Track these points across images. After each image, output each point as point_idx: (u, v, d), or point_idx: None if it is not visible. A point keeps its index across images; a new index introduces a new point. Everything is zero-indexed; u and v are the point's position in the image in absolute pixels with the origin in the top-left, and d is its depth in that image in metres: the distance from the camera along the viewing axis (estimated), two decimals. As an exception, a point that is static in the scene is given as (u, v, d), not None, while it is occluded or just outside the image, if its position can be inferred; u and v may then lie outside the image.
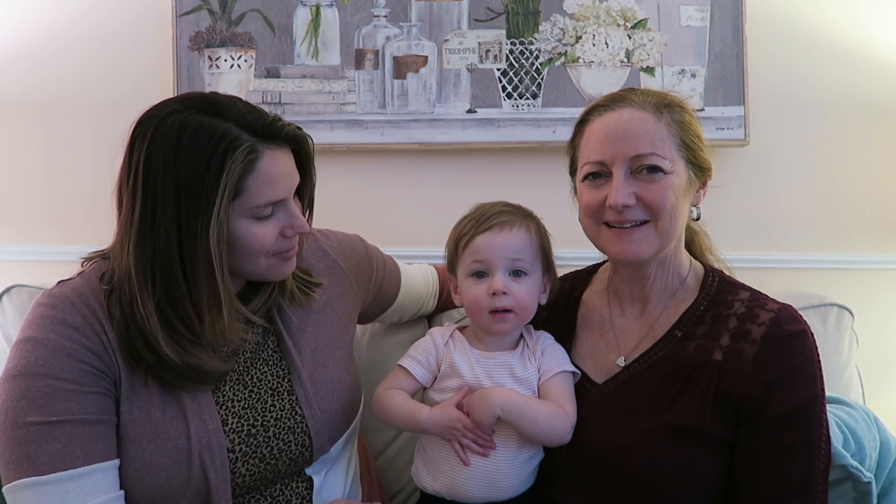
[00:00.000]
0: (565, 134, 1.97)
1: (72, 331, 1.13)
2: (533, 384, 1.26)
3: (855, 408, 1.51)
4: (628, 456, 1.19)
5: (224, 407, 1.21)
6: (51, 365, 1.10)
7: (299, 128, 1.20)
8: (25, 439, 1.07)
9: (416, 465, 1.32)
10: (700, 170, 1.25)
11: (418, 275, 1.63)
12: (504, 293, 1.24)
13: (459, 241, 1.29)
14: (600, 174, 1.22)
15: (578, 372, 1.29)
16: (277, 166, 1.15)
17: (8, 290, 1.79)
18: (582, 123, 1.28)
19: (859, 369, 1.76)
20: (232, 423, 1.20)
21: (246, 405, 1.23)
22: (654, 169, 1.19)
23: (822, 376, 1.19)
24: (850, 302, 1.75)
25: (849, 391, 1.70)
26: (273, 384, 1.27)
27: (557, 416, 1.23)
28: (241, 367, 1.25)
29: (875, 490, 1.35)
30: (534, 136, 1.97)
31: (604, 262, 1.43)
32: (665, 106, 1.22)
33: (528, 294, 1.26)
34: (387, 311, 1.58)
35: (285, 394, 1.26)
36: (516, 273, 1.26)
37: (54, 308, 1.15)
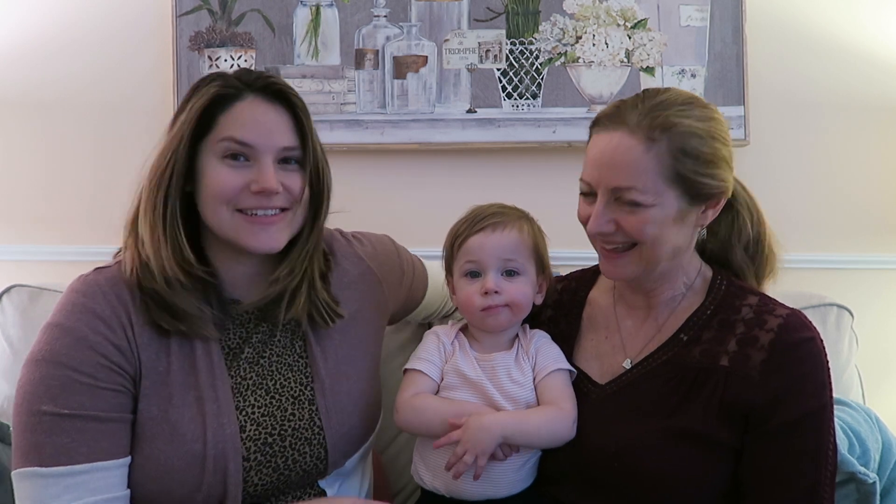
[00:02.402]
0: (565, 134, 1.99)
1: (98, 322, 1.13)
2: (529, 384, 1.26)
3: (856, 409, 1.51)
4: (632, 458, 1.19)
5: (244, 412, 1.19)
6: (72, 355, 1.11)
7: (290, 88, 1.21)
8: (36, 427, 1.08)
9: (416, 462, 1.32)
10: (698, 197, 1.18)
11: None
12: (496, 292, 1.25)
13: (454, 242, 1.31)
14: (590, 193, 1.21)
15: (574, 371, 1.29)
16: (253, 113, 1.17)
17: (8, 290, 1.78)
18: (589, 133, 1.25)
19: (859, 369, 1.76)
20: (249, 430, 1.19)
21: (265, 412, 1.21)
22: (633, 202, 1.16)
23: (831, 384, 1.18)
24: (850, 302, 1.76)
25: (849, 391, 1.70)
26: (295, 391, 1.24)
27: (556, 418, 1.23)
28: (264, 371, 1.23)
29: (878, 490, 1.35)
30: (534, 136, 1.97)
31: None
32: (664, 130, 1.14)
33: (520, 292, 1.27)
34: (412, 313, 1.57)
35: (306, 403, 1.24)
36: (509, 273, 1.27)
37: (86, 296, 1.15)
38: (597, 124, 1.23)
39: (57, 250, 2.00)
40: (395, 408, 1.28)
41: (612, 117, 1.19)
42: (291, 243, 1.25)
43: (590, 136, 1.24)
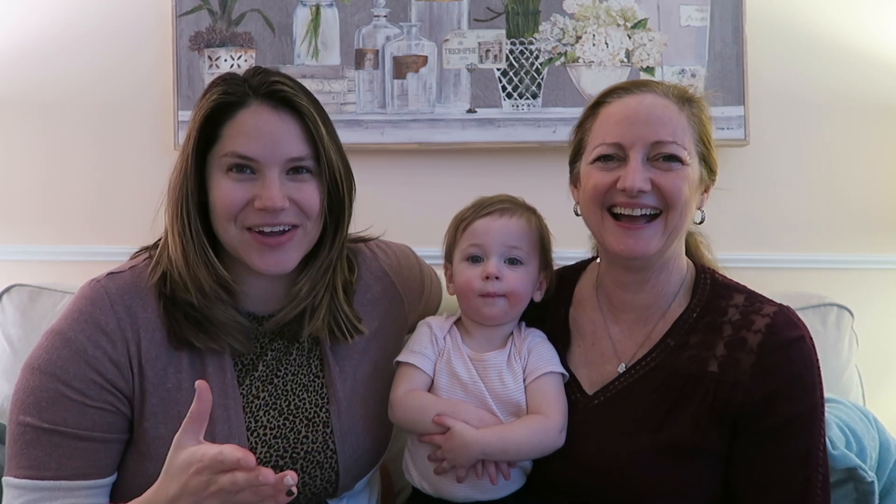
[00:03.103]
0: (565, 134, 1.97)
1: (100, 335, 1.11)
2: (520, 387, 1.23)
3: (850, 407, 1.51)
4: (623, 474, 1.16)
5: (255, 433, 1.17)
6: (66, 368, 1.09)
7: (298, 93, 1.14)
8: (19, 437, 1.08)
9: (406, 459, 1.30)
10: (710, 171, 1.22)
11: None
12: (497, 278, 1.23)
13: (459, 226, 1.29)
14: (613, 157, 1.17)
15: (566, 374, 1.26)
16: (256, 122, 1.11)
17: (8, 289, 1.79)
18: (597, 106, 1.23)
19: (859, 369, 1.76)
20: (260, 453, 1.16)
21: (278, 434, 1.18)
22: (672, 158, 1.15)
23: (821, 384, 1.15)
24: (850, 302, 1.75)
25: (849, 391, 1.69)
26: (310, 413, 1.21)
27: (540, 430, 1.20)
28: (278, 390, 1.20)
29: (877, 490, 1.35)
30: (534, 136, 1.97)
31: (592, 258, 1.39)
32: (687, 99, 1.19)
33: (521, 282, 1.25)
34: None
35: (321, 425, 1.21)
36: (512, 261, 1.25)
37: (93, 304, 1.13)
38: (612, 94, 1.21)
39: (57, 250, 2.00)
40: (390, 404, 1.25)
41: (635, 84, 1.22)
42: (311, 256, 1.21)
43: (599, 107, 1.22)
